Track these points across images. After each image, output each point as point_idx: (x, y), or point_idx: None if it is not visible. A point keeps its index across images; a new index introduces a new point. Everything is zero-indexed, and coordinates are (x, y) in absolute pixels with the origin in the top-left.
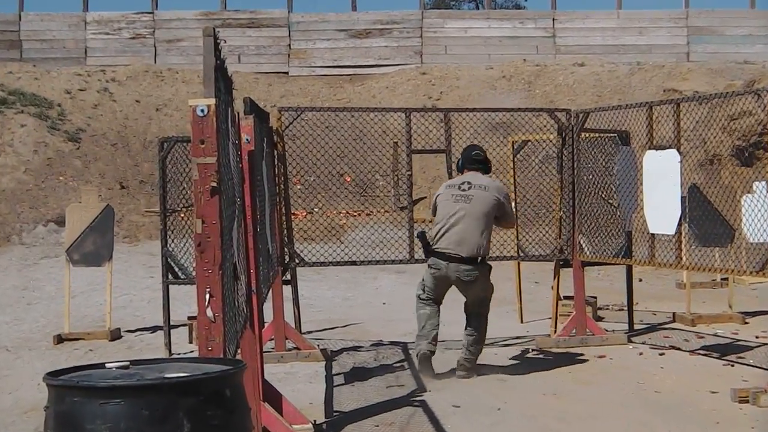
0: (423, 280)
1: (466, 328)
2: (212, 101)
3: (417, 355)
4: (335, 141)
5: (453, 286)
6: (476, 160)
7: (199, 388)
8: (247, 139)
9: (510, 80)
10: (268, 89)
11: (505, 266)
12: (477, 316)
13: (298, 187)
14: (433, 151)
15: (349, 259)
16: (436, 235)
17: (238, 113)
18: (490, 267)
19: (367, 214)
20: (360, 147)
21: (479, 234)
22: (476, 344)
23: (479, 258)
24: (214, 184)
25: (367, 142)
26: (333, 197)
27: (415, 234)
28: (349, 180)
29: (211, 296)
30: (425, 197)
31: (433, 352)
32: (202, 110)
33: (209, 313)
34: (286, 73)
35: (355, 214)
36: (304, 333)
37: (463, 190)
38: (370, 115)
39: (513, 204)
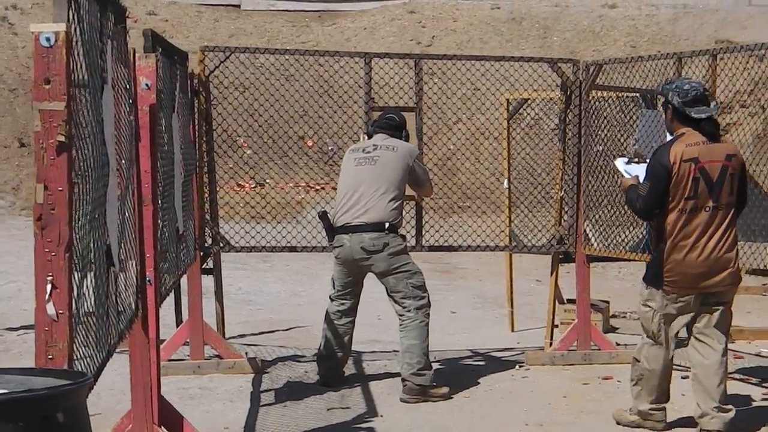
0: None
1: (399, 332)
2: (62, 27)
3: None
4: (295, 94)
5: (369, 276)
6: (389, 125)
7: (18, 412)
8: (146, 85)
9: (521, 23)
10: (214, 27)
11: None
12: (407, 310)
13: (248, 152)
14: (399, 108)
15: (298, 244)
16: (337, 207)
17: (134, 50)
18: (404, 239)
19: (333, 188)
20: (326, 103)
21: (387, 199)
22: (415, 353)
23: (387, 225)
24: (62, 139)
25: (335, 98)
26: (290, 166)
27: (317, 214)
28: (310, 145)
29: (54, 287)
30: None
31: (339, 376)
32: (48, 39)
33: (50, 309)
34: (238, 6)
35: (317, 187)
36: (232, 337)
37: (368, 152)
38: (340, 62)
39: (506, 183)
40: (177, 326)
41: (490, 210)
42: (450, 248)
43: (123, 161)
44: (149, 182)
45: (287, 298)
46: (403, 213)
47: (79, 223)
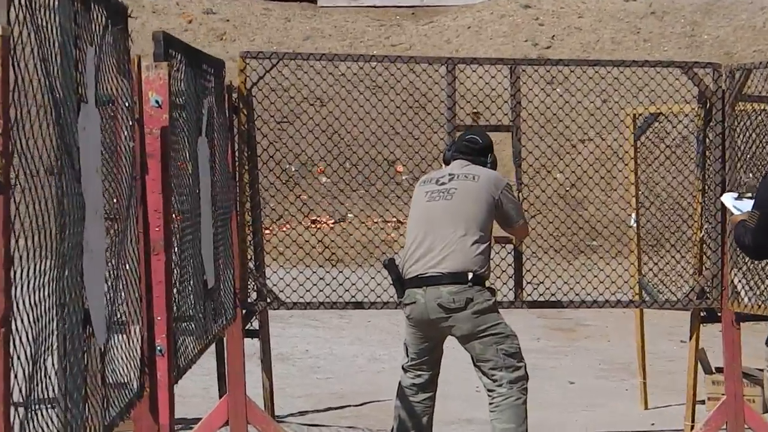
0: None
1: (490, 412)
2: None
3: None
4: (384, 111)
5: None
6: (470, 148)
7: None
8: (156, 102)
9: (662, 19)
10: (284, 27)
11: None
12: (499, 385)
13: (324, 180)
14: (493, 128)
15: (365, 298)
16: (406, 255)
17: (138, 58)
18: (494, 293)
19: None
20: (423, 121)
21: (469, 242)
22: None
23: (471, 275)
24: None
25: (431, 112)
26: (377, 196)
27: (382, 263)
28: (401, 170)
29: None
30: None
31: None
32: None
33: None
34: (314, 1)
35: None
36: (290, 415)
37: (442, 183)
38: (440, 69)
39: (633, 219)
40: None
41: (624, 252)
42: (555, 304)
43: (119, 200)
44: (160, 225)
45: (365, 364)
46: (491, 259)
47: (34, 284)
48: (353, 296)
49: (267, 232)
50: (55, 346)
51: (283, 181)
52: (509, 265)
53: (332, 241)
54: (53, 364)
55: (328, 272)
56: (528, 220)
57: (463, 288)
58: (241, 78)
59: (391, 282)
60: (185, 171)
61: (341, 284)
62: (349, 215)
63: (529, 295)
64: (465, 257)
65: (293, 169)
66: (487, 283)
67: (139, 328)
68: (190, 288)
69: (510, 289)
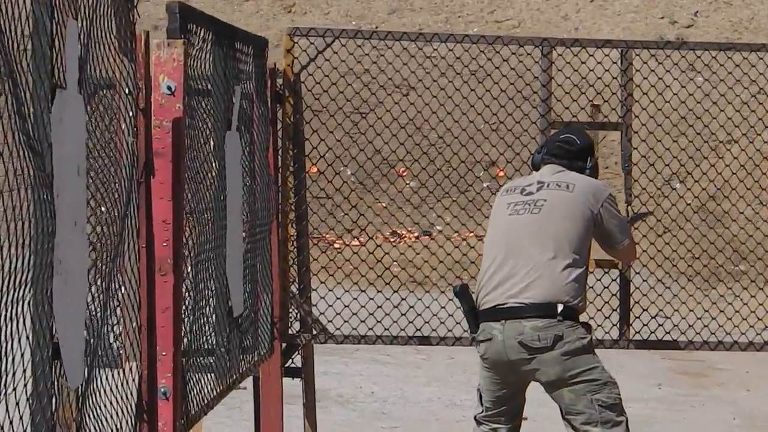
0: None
1: None
2: None
3: None
4: (477, 103)
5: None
6: (564, 150)
7: None
8: (168, 89)
9: None
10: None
11: None
12: None
13: (409, 184)
14: (597, 125)
15: (434, 332)
16: (481, 281)
17: (146, 34)
18: (589, 329)
19: None
20: (527, 116)
21: (559, 266)
22: None
23: (561, 307)
24: None
25: (538, 105)
26: (468, 207)
27: (453, 290)
28: (502, 174)
29: None
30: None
31: None
32: None
33: None
34: None
35: None
36: None
37: (529, 193)
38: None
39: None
40: None
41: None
42: (670, 344)
43: (112, 208)
44: (169, 239)
45: (441, 410)
46: (586, 287)
47: None
48: (418, 329)
49: (315, 243)
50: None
51: (335, 188)
52: (613, 295)
53: (410, 260)
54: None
55: (388, 299)
56: (635, 239)
57: (551, 323)
58: (287, 60)
59: (463, 313)
60: (207, 173)
61: (404, 314)
62: (435, 227)
63: (638, 332)
64: (554, 285)
65: (349, 173)
66: (582, 317)
67: (137, 365)
68: (208, 316)
69: (613, 325)
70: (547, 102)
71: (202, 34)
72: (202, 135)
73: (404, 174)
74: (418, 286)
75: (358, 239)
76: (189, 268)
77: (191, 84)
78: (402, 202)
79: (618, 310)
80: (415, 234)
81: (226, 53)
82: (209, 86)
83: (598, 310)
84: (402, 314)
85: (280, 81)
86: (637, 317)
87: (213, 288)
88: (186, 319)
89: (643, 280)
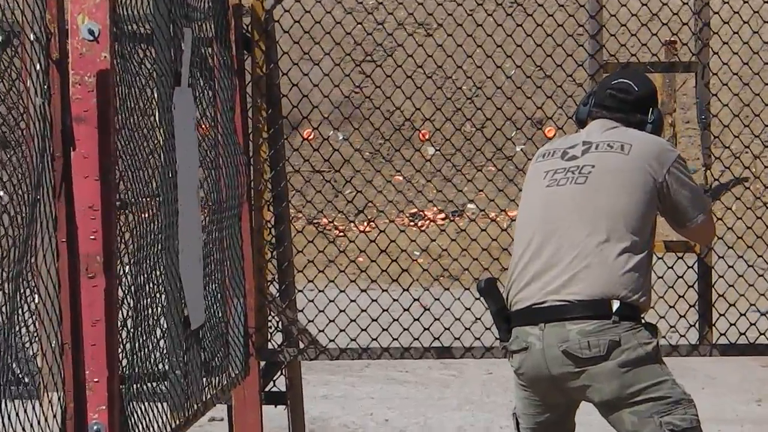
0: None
1: None
2: None
3: None
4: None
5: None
6: (616, 98)
7: None
8: (90, 33)
9: None
10: None
11: None
12: None
13: (432, 152)
14: (664, 66)
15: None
16: (513, 274)
17: None
18: (656, 332)
19: None
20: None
21: (613, 252)
22: None
23: (618, 304)
24: None
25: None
26: (517, 177)
27: (477, 286)
28: (552, 135)
29: None
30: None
31: None
32: None
33: None
34: None
35: None
36: None
37: (572, 157)
38: None
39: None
40: None
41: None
42: (765, 349)
43: (13, 193)
44: (98, 230)
45: None
46: (651, 278)
47: None
48: (437, 337)
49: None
50: None
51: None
52: (690, 287)
53: (424, 247)
54: None
55: (396, 300)
56: (716, 213)
57: (605, 325)
58: None
59: (492, 316)
60: (148, 142)
61: (417, 319)
62: (469, 206)
63: (723, 334)
64: (608, 276)
65: (340, 138)
66: (648, 317)
67: (60, 395)
68: (157, 329)
69: (691, 326)
70: (597, 38)
71: None
72: (141, 93)
73: (427, 138)
74: (434, 282)
75: (371, 222)
76: (127, 268)
77: (122, 26)
78: (428, 174)
79: (696, 306)
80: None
81: None
82: (148, 29)
83: (670, 307)
84: (415, 319)
85: (247, 20)
86: (721, 314)
87: (162, 293)
88: (125, 335)
89: (729, 266)
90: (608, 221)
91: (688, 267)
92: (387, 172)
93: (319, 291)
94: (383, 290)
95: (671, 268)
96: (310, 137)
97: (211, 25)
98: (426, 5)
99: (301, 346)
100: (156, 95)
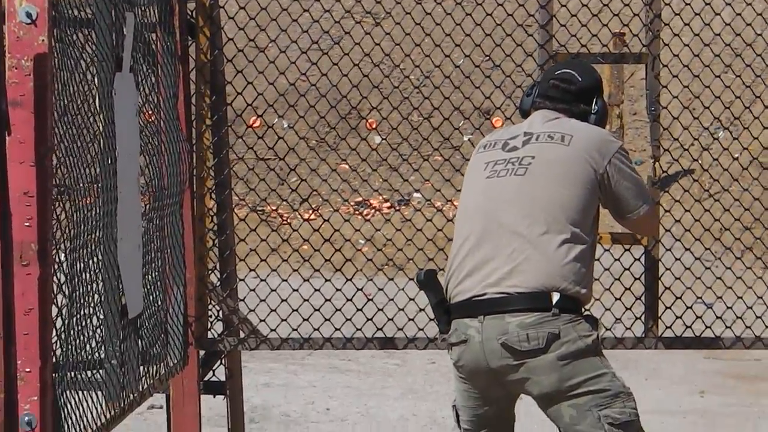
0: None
1: None
2: None
3: None
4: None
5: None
6: (559, 88)
7: None
8: (27, 16)
9: None
10: None
11: None
12: None
13: (378, 141)
14: (614, 57)
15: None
16: (452, 265)
17: None
18: (596, 324)
19: None
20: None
21: (553, 243)
22: None
23: (558, 297)
24: None
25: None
26: (463, 167)
27: (416, 278)
28: (500, 125)
29: None
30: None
31: None
32: None
33: None
34: None
35: None
36: None
37: (512, 148)
38: None
39: None
40: None
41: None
42: (710, 342)
43: None
44: (33, 217)
45: (416, 431)
46: (593, 270)
47: None
48: (380, 328)
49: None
50: None
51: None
52: (637, 279)
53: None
54: None
55: (339, 290)
56: (656, 205)
57: (544, 317)
58: None
59: (431, 308)
60: (88, 128)
61: (360, 309)
62: (415, 196)
63: (669, 327)
64: (548, 267)
65: (285, 125)
66: (591, 309)
67: None
68: (94, 317)
69: (637, 318)
70: (547, 28)
71: None
72: (81, 78)
73: (373, 127)
74: (379, 272)
75: (315, 210)
76: (63, 256)
77: (62, 10)
78: (374, 162)
79: (643, 298)
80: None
81: None
82: (89, 13)
83: (616, 299)
84: (358, 309)
85: (192, 6)
86: (668, 307)
87: (99, 281)
88: (60, 323)
89: (676, 259)
90: (548, 213)
91: (635, 259)
92: (332, 161)
93: (261, 280)
94: (326, 280)
95: (618, 260)
96: (255, 125)
97: (154, 10)
98: None
99: (242, 335)
100: (96, 80)
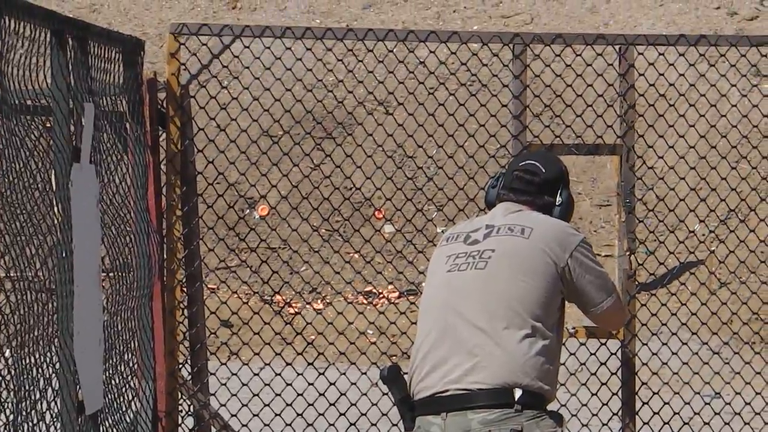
0: None
1: None
2: None
3: None
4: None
5: None
6: (523, 180)
7: None
8: None
9: None
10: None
11: None
12: None
13: (389, 229)
14: (587, 148)
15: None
16: (414, 361)
17: None
18: (561, 420)
19: None
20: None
21: (514, 338)
22: None
23: (520, 393)
24: None
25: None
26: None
27: (380, 374)
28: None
29: None
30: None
31: None
32: None
33: None
34: None
35: None
36: None
37: (474, 241)
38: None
39: None
40: None
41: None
42: None
43: None
44: None
45: None
46: (558, 364)
47: None
48: (353, 424)
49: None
50: None
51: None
52: (613, 374)
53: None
54: None
55: (311, 384)
56: (620, 299)
57: (507, 414)
58: (172, 67)
59: (395, 405)
60: (41, 221)
61: (333, 404)
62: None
63: (646, 423)
64: (509, 363)
65: (256, 218)
66: (551, 406)
67: None
68: (47, 414)
69: (614, 414)
70: (521, 119)
71: (31, 31)
72: (35, 168)
73: (380, 217)
74: (351, 365)
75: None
76: (7, 352)
77: (6, 97)
78: (382, 250)
79: (620, 393)
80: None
81: (72, 57)
82: (47, 102)
83: (593, 394)
84: (331, 404)
85: (162, 95)
86: (645, 403)
87: (51, 376)
88: (6, 419)
89: (653, 354)
90: (508, 307)
91: (611, 354)
92: (326, 253)
93: (233, 374)
94: (298, 374)
95: (594, 354)
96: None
97: (126, 99)
98: (387, 84)
99: (213, 431)
100: (53, 172)
